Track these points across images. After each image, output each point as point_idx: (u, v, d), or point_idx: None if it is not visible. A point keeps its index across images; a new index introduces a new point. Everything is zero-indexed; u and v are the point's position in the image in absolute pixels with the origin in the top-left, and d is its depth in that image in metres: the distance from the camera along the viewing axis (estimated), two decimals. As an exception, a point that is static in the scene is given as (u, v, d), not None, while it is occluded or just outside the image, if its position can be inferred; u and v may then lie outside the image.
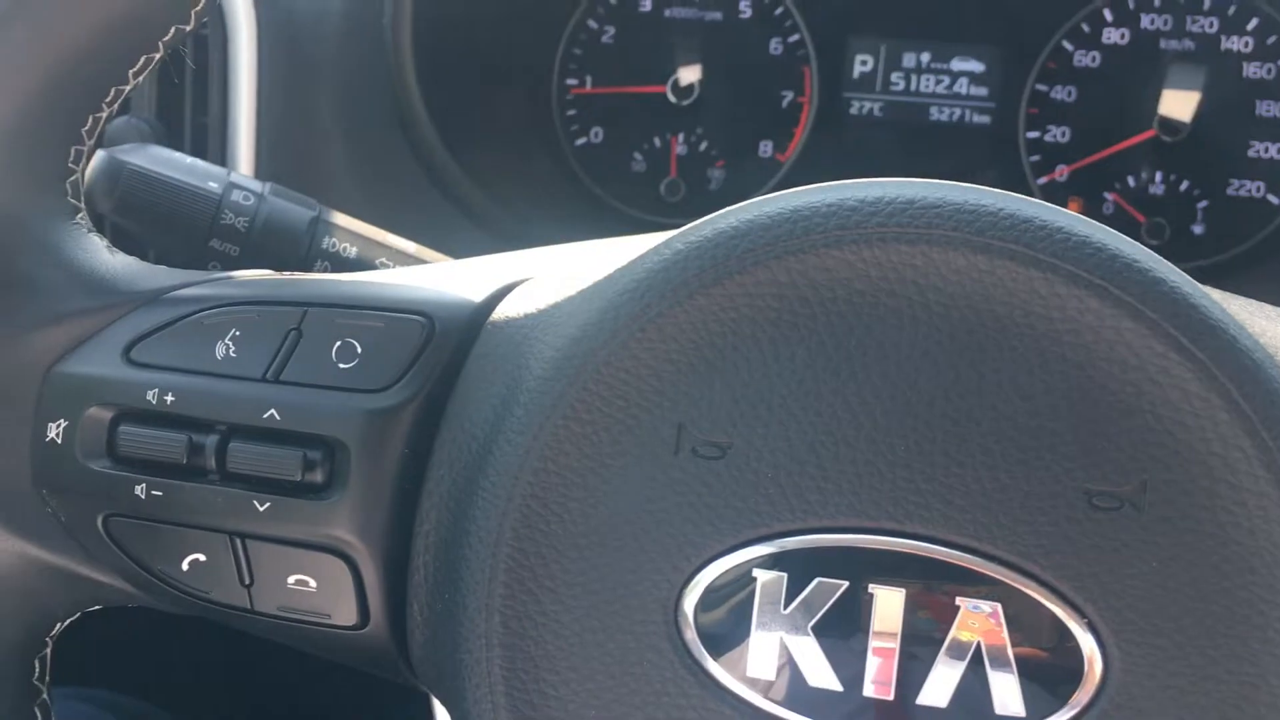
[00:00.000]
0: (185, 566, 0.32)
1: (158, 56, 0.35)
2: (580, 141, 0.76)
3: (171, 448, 0.32)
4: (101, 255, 0.35)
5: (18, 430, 0.33)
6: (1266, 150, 0.69)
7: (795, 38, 0.74)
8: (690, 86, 0.74)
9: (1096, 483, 0.27)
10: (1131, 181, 0.71)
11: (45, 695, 0.37)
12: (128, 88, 0.35)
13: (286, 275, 0.36)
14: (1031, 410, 0.28)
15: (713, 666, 0.29)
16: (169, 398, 0.32)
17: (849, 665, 0.28)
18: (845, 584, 0.28)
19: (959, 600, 0.28)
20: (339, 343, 0.32)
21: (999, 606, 0.28)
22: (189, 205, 0.45)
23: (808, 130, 0.74)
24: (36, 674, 0.37)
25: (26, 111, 0.33)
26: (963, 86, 0.73)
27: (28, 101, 0.33)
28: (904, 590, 0.28)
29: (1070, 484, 0.27)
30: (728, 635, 0.29)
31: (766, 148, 0.75)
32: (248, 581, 0.32)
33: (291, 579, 0.32)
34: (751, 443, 0.28)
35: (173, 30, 0.35)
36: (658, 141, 0.75)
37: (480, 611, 0.29)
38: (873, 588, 0.28)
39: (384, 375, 0.32)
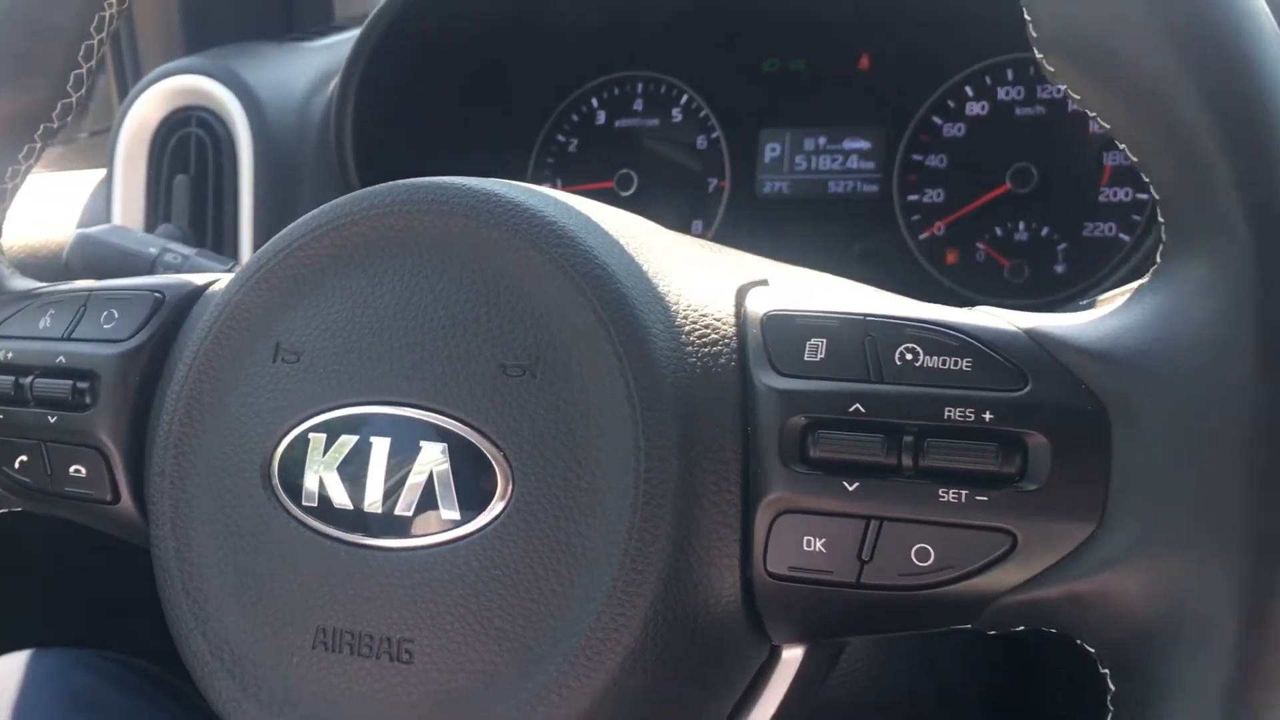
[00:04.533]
0: (17, 465, 0.50)
1: (39, 149, 0.54)
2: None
3: (3, 386, 0.49)
4: (1, 270, 0.54)
5: None
6: (1115, 195, 0.77)
7: (715, 134, 0.88)
8: (630, 178, 0.89)
9: (508, 358, 0.40)
10: (999, 231, 0.80)
11: None
12: (18, 181, 0.54)
13: (98, 281, 0.54)
14: (471, 314, 0.41)
15: (285, 500, 0.43)
16: (9, 354, 0.50)
17: (357, 492, 0.41)
18: (357, 437, 0.42)
19: (421, 443, 0.41)
20: (105, 312, 0.49)
21: (446, 445, 0.40)
22: (131, 264, 0.64)
23: (726, 209, 0.87)
24: None
25: None
26: (854, 162, 0.85)
27: None
28: (389, 438, 0.41)
29: (492, 360, 0.41)
30: (294, 479, 0.43)
31: (698, 225, 0.89)
32: (49, 473, 0.49)
33: (71, 469, 0.49)
34: (311, 350, 0.43)
35: (52, 122, 0.53)
36: (612, 228, 0.91)
37: (160, 473, 0.45)
38: (373, 438, 0.41)
39: (128, 330, 0.48)
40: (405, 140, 0.84)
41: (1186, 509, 0.34)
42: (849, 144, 0.85)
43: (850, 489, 0.37)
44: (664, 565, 0.38)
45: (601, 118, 0.92)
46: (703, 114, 0.89)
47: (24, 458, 0.50)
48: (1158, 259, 0.37)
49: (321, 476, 0.42)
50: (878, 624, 0.40)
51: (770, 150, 0.87)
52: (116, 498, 0.49)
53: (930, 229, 0.82)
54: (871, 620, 0.39)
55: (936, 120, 0.82)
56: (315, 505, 0.42)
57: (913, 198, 0.82)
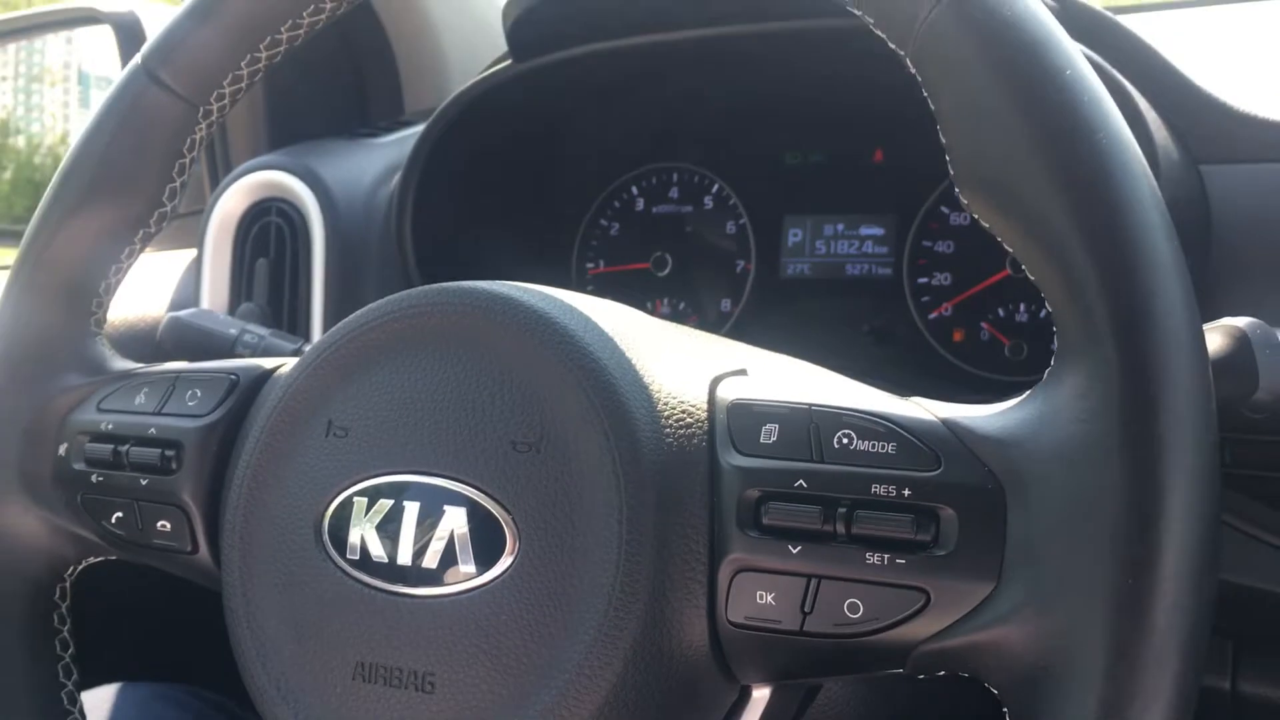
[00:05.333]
0: (113, 520, 0.59)
1: (138, 249, 0.63)
2: (596, 309, 1.01)
3: (104, 453, 0.59)
4: (103, 352, 0.63)
5: (43, 448, 0.61)
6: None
7: (743, 221, 0.96)
8: (665, 260, 0.97)
9: (517, 437, 0.48)
10: (1001, 312, 0.87)
11: (65, 635, 0.63)
12: (120, 276, 0.63)
13: (185, 364, 0.63)
14: (487, 399, 0.49)
15: (333, 553, 0.51)
16: (110, 425, 0.59)
17: (392, 547, 0.49)
18: (393, 502, 0.50)
19: (445, 507, 0.49)
20: (189, 391, 0.58)
21: (465, 509, 0.48)
22: (214, 344, 0.73)
23: (752, 289, 0.95)
24: (58, 617, 0.63)
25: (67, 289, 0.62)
26: (869, 247, 0.92)
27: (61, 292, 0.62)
28: (419, 503, 0.49)
29: (504, 438, 0.48)
30: (340, 535, 0.51)
31: (726, 304, 0.97)
32: (139, 527, 0.58)
33: (158, 524, 0.57)
34: (358, 427, 0.52)
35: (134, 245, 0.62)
36: (650, 305, 0.99)
37: (230, 529, 0.53)
38: (406, 503, 0.49)
39: (208, 407, 0.57)
40: (461, 227, 0.93)
41: (1063, 574, 0.40)
42: (864, 230, 0.92)
43: (794, 552, 0.44)
44: (643, 612, 0.45)
45: (640, 204, 1.00)
46: (731, 202, 0.97)
47: (119, 514, 0.59)
48: (1052, 363, 0.44)
49: (363, 534, 0.50)
50: (822, 667, 0.47)
51: (793, 235, 0.94)
52: (195, 549, 0.57)
53: (939, 309, 0.89)
54: (816, 663, 0.46)
55: (944, 209, 0.89)
56: (357, 558, 0.50)
57: (922, 280, 0.89)
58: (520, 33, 0.85)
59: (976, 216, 0.45)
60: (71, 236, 0.61)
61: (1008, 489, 0.42)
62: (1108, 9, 0.78)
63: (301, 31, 0.59)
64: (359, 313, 0.54)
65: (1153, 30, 0.79)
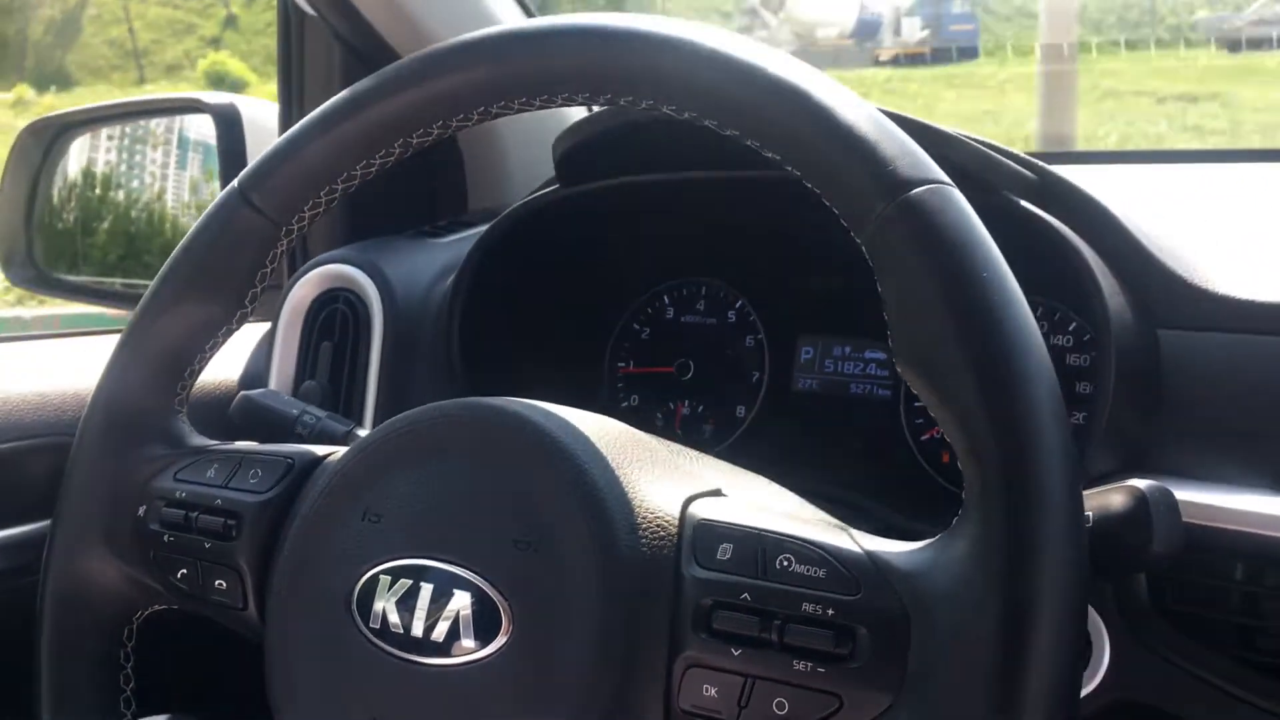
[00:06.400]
0: (179, 575, 0.69)
1: (220, 343, 0.74)
2: (624, 404, 1.11)
3: (176, 517, 0.69)
4: (184, 428, 0.73)
5: (126, 507, 0.71)
6: (1074, 416, 0.91)
7: (760, 336, 1.06)
8: (688, 365, 1.07)
9: (517, 535, 0.58)
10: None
11: (129, 671, 0.74)
12: (204, 364, 0.74)
13: (256, 444, 0.73)
14: (494, 501, 0.59)
15: (359, 621, 0.60)
16: (183, 494, 0.69)
17: (407, 621, 0.59)
18: (411, 582, 0.59)
19: (454, 590, 0.58)
20: (252, 470, 0.68)
21: (470, 594, 0.58)
22: (277, 421, 0.84)
23: (764, 398, 1.04)
24: (123, 654, 0.73)
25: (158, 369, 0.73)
26: (872, 369, 1.01)
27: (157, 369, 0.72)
28: (433, 585, 0.59)
29: (506, 536, 0.58)
30: (366, 606, 0.60)
31: (741, 409, 1.06)
32: (200, 583, 0.68)
33: (216, 582, 0.68)
34: (389, 515, 0.61)
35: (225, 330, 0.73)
36: (671, 406, 1.08)
37: (276, 594, 0.63)
38: (422, 584, 0.59)
39: (266, 486, 0.68)
40: (504, 325, 1.03)
41: (946, 700, 0.49)
42: (869, 354, 1.01)
43: (736, 654, 0.53)
44: (612, 692, 0.54)
45: (670, 313, 1.10)
46: (752, 318, 1.06)
47: (184, 570, 0.69)
48: (959, 512, 0.53)
49: (385, 607, 0.60)
50: None
51: (805, 353, 1.04)
52: (245, 606, 0.67)
53: (930, 432, 0.97)
54: None
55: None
56: (379, 627, 0.60)
57: (918, 404, 0.98)
58: (568, 162, 0.96)
59: (907, 381, 0.54)
60: (169, 324, 0.72)
61: (913, 617, 0.51)
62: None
63: (374, 170, 0.70)
64: (398, 417, 0.64)
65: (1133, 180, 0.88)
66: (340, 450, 0.70)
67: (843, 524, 0.59)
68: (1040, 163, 0.84)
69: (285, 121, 1.25)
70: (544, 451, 0.59)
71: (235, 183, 0.72)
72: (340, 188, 0.70)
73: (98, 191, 1.97)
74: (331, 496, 0.64)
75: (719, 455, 0.98)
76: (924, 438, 0.97)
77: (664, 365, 1.09)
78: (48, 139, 1.43)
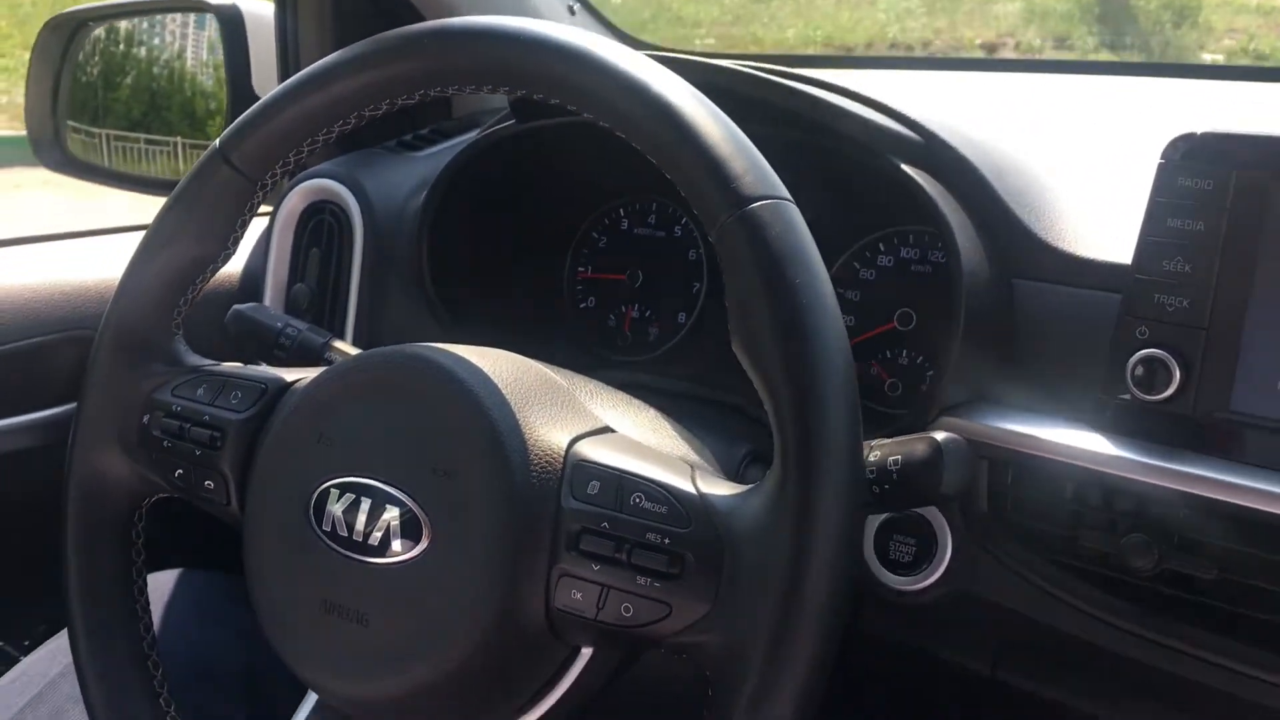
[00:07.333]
0: (176, 475, 0.84)
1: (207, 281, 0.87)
2: (581, 305, 1.24)
3: (173, 427, 0.84)
4: (181, 349, 0.88)
5: (133, 415, 0.86)
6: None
7: (700, 251, 1.18)
8: (638, 274, 1.20)
9: (436, 464, 0.72)
10: (887, 354, 1.08)
11: (140, 545, 0.90)
12: (196, 294, 0.88)
13: (240, 365, 0.88)
14: (419, 434, 0.73)
15: (314, 524, 0.75)
16: (178, 408, 0.84)
17: (350, 526, 0.74)
18: (354, 496, 0.74)
19: (387, 505, 0.72)
20: (234, 392, 0.83)
21: (399, 509, 0.72)
22: (263, 332, 0.98)
23: (702, 306, 1.17)
24: (134, 532, 0.89)
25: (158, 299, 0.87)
26: (796, 285, 1.13)
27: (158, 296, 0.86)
28: (370, 499, 0.73)
29: (427, 464, 0.72)
30: (319, 512, 0.75)
31: (682, 316, 1.19)
32: (193, 482, 0.84)
33: (205, 483, 0.83)
34: (339, 441, 0.76)
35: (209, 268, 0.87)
36: (622, 309, 1.22)
37: (252, 496, 0.79)
38: (362, 498, 0.73)
39: (245, 406, 0.82)
40: (470, 236, 1.16)
41: (748, 604, 0.64)
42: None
43: (596, 569, 0.68)
44: (503, 592, 0.70)
45: (625, 224, 1.22)
46: (694, 233, 1.18)
47: (180, 471, 0.84)
48: (769, 469, 0.66)
49: (334, 514, 0.75)
50: (611, 642, 0.71)
51: (739, 267, 1.16)
52: (229, 503, 0.83)
53: (841, 345, 1.10)
54: (607, 639, 0.70)
55: (856, 265, 1.10)
56: (330, 530, 0.75)
57: (832, 319, 1.10)
58: (521, 101, 1.07)
59: (740, 360, 0.67)
60: (166, 260, 0.86)
61: (725, 547, 0.66)
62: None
63: (334, 134, 0.82)
64: (351, 358, 0.78)
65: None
66: (308, 376, 0.84)
67: (695, 463, 0.73)
68: (928, 126, 0.95)
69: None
70: (456, 394, 0.73)
71: (216, 143, 0.84)
72: (307, 149, 0.83)
73: (121, 47, 2.07)
74: (295, 419, 0.78)
75: (664, 355, 1.13)
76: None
77: (618, 272, 1.22)
78: (67, 34, 1.53)
